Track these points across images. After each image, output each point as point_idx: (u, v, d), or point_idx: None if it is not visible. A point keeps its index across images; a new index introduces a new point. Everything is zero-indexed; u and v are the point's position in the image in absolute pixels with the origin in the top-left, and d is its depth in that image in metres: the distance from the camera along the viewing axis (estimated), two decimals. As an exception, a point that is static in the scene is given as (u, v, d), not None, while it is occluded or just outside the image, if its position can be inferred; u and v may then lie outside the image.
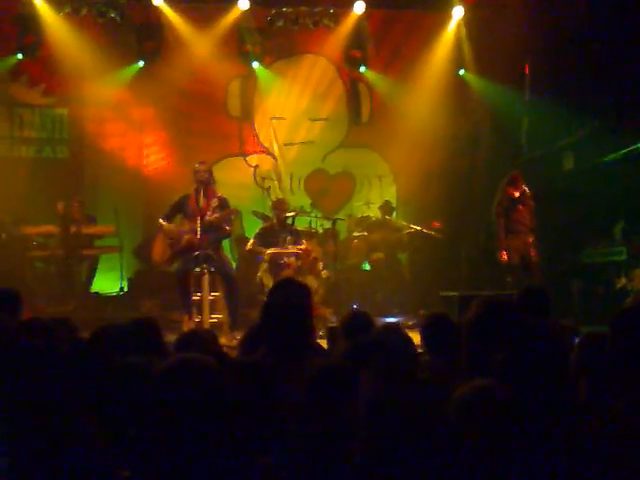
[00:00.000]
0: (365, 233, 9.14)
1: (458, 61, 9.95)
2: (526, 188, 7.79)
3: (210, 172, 7.04)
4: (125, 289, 9.17)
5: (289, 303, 3.02)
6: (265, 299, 3.33)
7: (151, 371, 2.26)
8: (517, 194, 7.75)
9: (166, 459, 1.78)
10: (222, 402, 1.76)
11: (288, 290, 3.11)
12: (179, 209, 6.98)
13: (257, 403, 2.29)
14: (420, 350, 3.33)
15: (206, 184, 6.87)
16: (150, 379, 2.00)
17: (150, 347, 3.05)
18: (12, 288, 4.19)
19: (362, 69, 10.25)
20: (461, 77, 10.04)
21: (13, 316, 3.72)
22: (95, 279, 9.30)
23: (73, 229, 8.66)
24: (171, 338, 3.50)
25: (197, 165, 6.99)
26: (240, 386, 2.25)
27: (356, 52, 10.11)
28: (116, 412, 2.27)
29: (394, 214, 9.78)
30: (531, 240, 7.75)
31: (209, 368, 1.82)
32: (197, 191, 6.89)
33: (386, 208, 9.50)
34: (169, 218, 7.01)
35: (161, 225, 6.95)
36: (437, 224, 9.12)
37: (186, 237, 6.79)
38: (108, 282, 9.37)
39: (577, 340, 2.92)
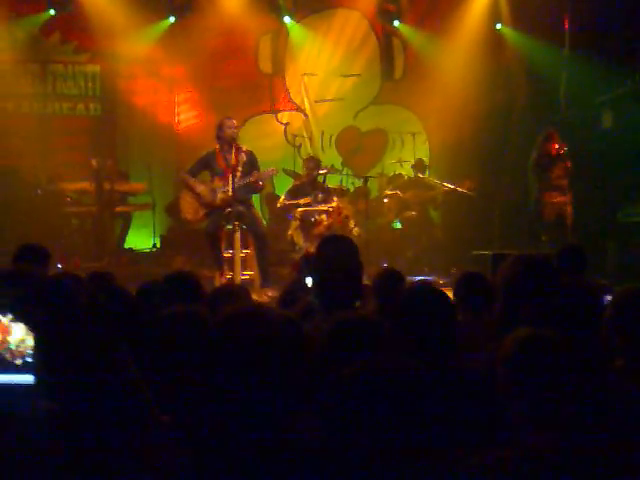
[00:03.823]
0: (398, 191, 9.04)
1: (495, 15, 9.67)
2: (562, 146, 7.64)
3: (238, 128, 6.96)
4: (157, 246, 9.28)
5: (342, 258, 2.91)
6: (301, 255, 3.31)
7: (200, 319, 2.31)
8: (553, 152, 7.61)
9: (208, 404, 1.82)
10: (282, 351, 1.80)
11: (339, 245, 3.01)
12: (205, 165, 6.91)
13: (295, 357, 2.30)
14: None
15: (235, 140, 6.79)
16: (207, 326, 2.09)
17: (191, 300, 3.07)
18: (42, 245, 4.23)
19: (396, 23, 10.04)
20: (498, 31, 9.77)
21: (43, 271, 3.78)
22: (128, 235, 9.43)
23: (107, 186, 8.73)
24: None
25: (226, 120, 6.81)
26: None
27: (390, 5, 9.90)
28: (158, 358, 2.30)
29: (427, 172, 9.64)
30: (568, 198, 7.63)
31: (270, 317, 1.85)
32: (224, 148, 6.79)
33: (419, 166, 9.36)
34: (194, 174, 6.94)
35: (187, 183, 6.90)
36: (470, 185, 8.91)
37: (220, 196, 6.76)
38: (141, 238, 9.49)
39: (609, 298, 2.87)
